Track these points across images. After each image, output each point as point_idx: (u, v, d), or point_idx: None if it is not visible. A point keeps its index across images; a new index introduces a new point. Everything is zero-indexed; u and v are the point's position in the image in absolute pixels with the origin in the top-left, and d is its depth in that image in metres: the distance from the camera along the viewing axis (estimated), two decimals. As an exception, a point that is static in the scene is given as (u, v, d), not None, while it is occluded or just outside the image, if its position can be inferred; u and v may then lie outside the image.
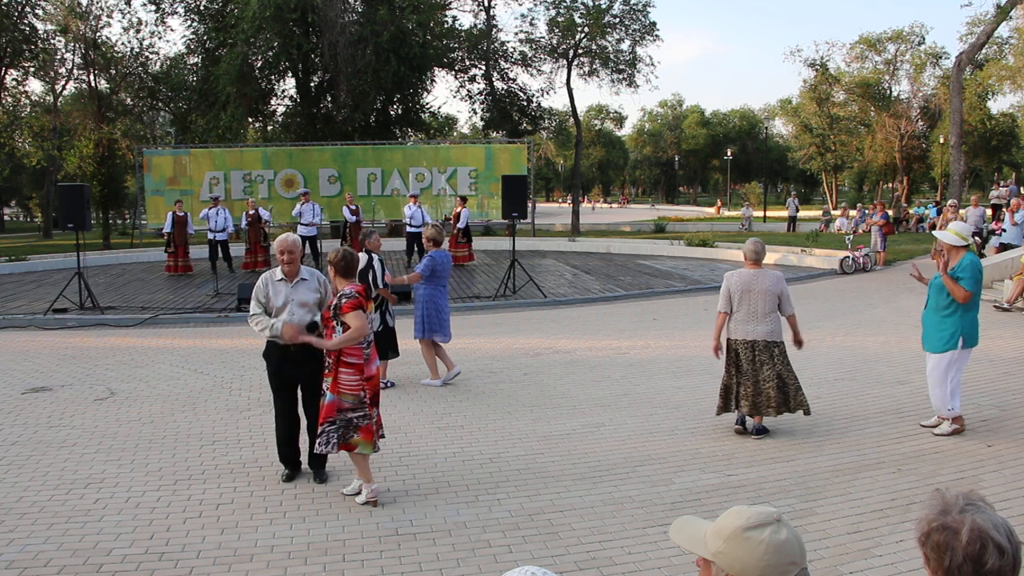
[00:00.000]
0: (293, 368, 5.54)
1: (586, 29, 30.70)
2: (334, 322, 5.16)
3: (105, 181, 30.64)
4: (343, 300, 5.12)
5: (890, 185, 54.08)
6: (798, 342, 6.54)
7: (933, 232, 6.87)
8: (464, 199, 19.78)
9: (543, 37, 31.94)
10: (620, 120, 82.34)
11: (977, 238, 16.63)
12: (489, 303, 13.80)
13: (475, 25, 32.28)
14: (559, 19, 30.81)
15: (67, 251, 21.08)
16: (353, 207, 19.22)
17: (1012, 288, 12.56)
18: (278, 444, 5.74)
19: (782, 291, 6.40)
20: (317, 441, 5.20)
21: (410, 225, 18.47)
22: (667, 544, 4.54)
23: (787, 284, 6.55)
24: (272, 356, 5.59)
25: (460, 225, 18.86)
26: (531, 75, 50.78)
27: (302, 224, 18.49)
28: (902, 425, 6.74)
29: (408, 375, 8.67)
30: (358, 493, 5.30)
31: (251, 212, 18.46)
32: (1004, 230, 15.88)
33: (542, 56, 32.18)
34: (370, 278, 7.90)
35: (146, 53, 30.40)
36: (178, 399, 7.94)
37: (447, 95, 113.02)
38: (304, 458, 5.78)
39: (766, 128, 65.81)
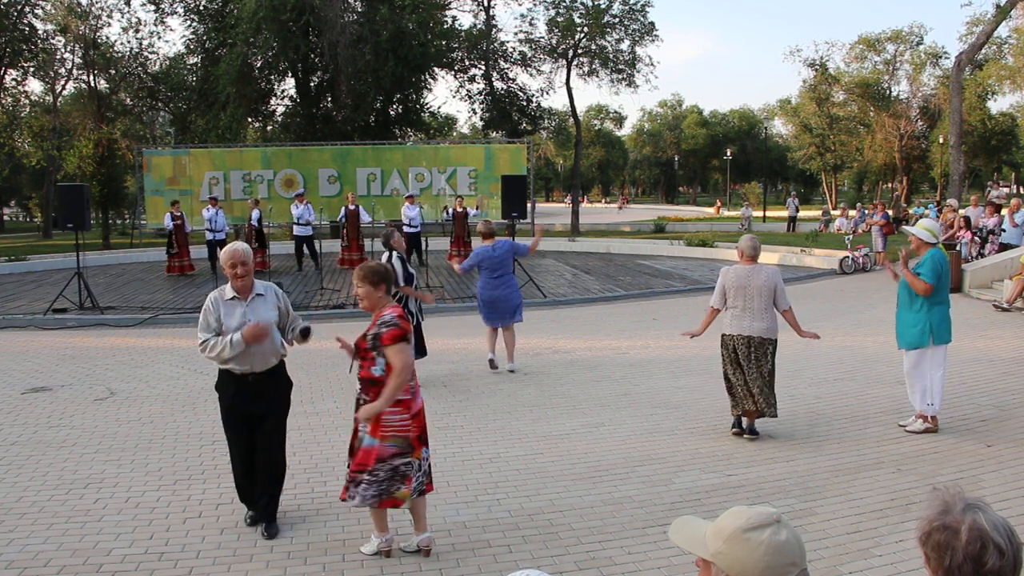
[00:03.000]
0: (251, 402, 4.77)
1: (585, 29, 30.69)
2: (373, 353, 4.28)
3: (105, 181, 30.63)
4: (383, 329, 4.22)
5: (890, 185, 54.11)
6: (804, 335, 6.51)
7: (904, 228, 6.92)
8: (461, 198, 19.84)
9: (543, 37, 31.94)
10: (620, 120, 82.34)
11: (978, 237, 16.64)
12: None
13: (475, 25, 32.28)
14: (558, 19, 30.80)
15: (67, 251, 21.07)
16: (353, 207, 19.16)
17: (1012, 288, 12.57)
18: (236, 484, 5.04)
19: (777, 284, 6.34)
20: (346, 492, 4.40)
21: (409, 226, 18.44)
22: (667, 544, 4.54)
23: (783, 281, 6.50)
24: (227, 388, 4.81)
25: (472, 213, 19.17)
26: (531, 75, 50.90)
27: (299, 224, 18.53)
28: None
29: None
30: (376, 553, 4.50)
31: (252, 212, 18.50)
32: (990, 231, 15.90)
33: (542, 56, 32.17)
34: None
35: (146, 53, 30.44)
36: (178, 399, 7.94)
37: (447, 95, 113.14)
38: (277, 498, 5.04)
39: (766, 128, 65.82)
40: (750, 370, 6.34)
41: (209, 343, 4.68)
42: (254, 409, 4.79)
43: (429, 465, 4.55)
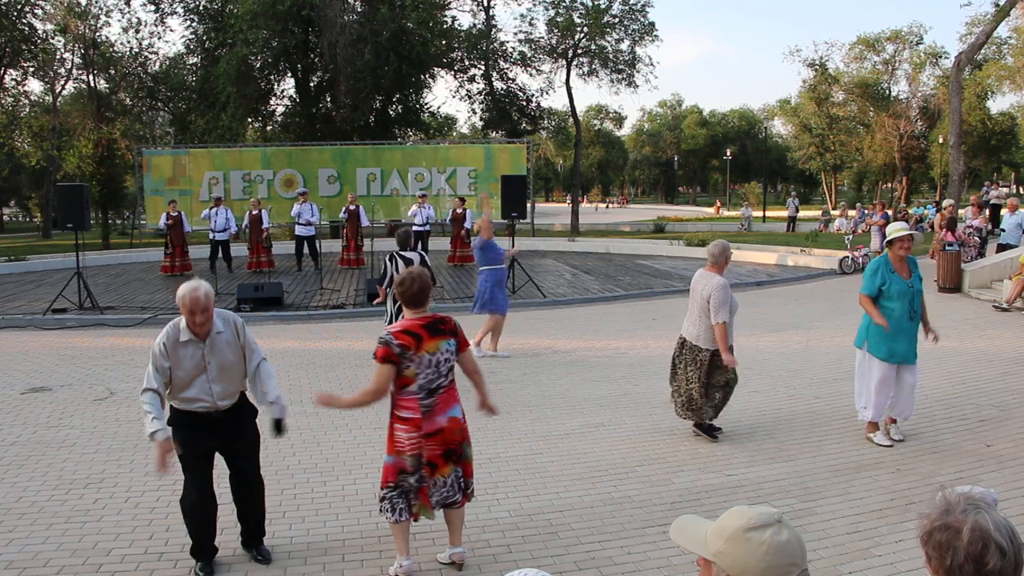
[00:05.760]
0: (212, 437, 4.33)
1: (585, 29, 30.71)
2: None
3: (104, 181, 30.66)
4: (377, 343, 4.12)
5: (889, 185, 54.12)
6: (725, 358, 6.10)
7: (893, 224, 6.81)
8: (463, 199, 19.81)
9: (542, 37, 31.96)
10: (620, 120, 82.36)
11: (977, 238, 16.64)
12: (489, 303, 13.77)
13: (474, 25, 32.31)
14: (558, 19, 30.82)
15: (66, 251, 21.06)
16: (353, 207, 19.13)
17: (1011, 288, 12.58)
18: (189, 532, 4.42)
19: (712, 296, 6.10)
20: (380, 507, 4.29)
21: (415, 224, 18.45)
22: (667, 544, 4.54)
23: (726, 292, 6.11)
24: (181, 423, 4.29)
25: (467, 225, 18.95)
26: (530, 75, 50.77)
27: (300, 224, 18.51)
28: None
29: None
30: None
31: (254, 212, 18.43)
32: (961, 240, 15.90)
33: (541, 56, 32.19)
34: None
35: (145, 53, 30.47)
36: (178, 399, 7.94)
37: (447, 95, 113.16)
38: (248, 534, 4.66)
39: (765, 128, 65.81)
40: (682, 371, 6.44)
41: (145, 406, 4.11)
42: (217, 444, 4.40)
43: (464, 480, 4.32)
